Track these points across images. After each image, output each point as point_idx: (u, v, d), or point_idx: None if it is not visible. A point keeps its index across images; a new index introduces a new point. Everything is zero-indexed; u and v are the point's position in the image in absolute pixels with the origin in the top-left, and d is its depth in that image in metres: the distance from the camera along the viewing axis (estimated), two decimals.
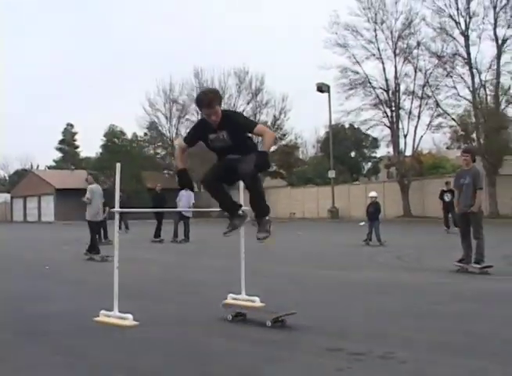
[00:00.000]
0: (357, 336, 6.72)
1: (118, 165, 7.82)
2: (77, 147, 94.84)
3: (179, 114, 71.65)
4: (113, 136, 67.87)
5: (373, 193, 22.78)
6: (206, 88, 9.10)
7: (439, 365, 5.46)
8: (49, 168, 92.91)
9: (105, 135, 68.17)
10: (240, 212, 7.74)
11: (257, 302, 8.61)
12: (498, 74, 44.90)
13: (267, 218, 7.50)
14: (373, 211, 21.51)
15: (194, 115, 69.72)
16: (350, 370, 5.37)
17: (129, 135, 71.19)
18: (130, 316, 7.55)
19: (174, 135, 72.77)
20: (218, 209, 7.95)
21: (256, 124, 7.32)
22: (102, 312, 7.81)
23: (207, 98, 7.08)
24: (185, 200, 24.53)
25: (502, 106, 46.04)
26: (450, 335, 6.69)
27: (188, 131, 7.89)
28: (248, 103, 66.20)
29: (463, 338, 6.59)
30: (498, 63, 44.71)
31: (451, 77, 47.34)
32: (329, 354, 5.93)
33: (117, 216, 8.14)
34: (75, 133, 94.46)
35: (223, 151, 7.43)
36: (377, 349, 5.99)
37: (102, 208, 18.50)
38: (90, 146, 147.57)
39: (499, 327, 7.18)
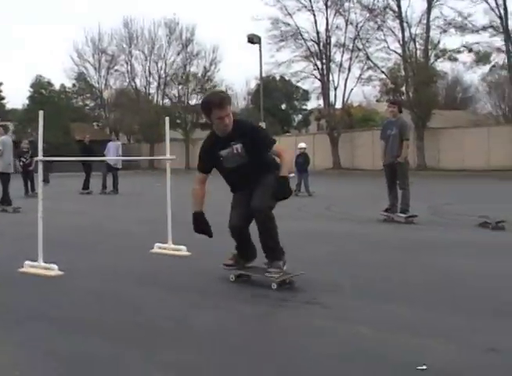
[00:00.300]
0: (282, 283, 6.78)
1: (41, 113, 7.64)
2: (2, 98, 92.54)
3: (108, 65, 70.51)
4: (40, 87, 66.49)
5: (302, 145, 22.92)
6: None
7: (360, 310, 5.55)
8: None
9: (31, 86, 66.74)
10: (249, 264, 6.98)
11: (183, 251, 8.66)
12: (428, 29, 45.41)
13: (280, 262, 6.57)
14: (302, 162, 21.65)
15: (124, 66, 68.91)
16: (273, 315, 5.43)
17: (57, 87, 69.88)
18: (55, 266, 7.47)
19: (103, 87, 71.76)
20: (146, 158, 7.73)
21: (274, 142, 6.57)
22: (27, 262, 7.70)
23: (218, 97, 6.31)
24: (113, 151, 24.28)
25: (432, 60, 46.65)
26: (374, 282, 6.80)
27: (199, 158, 6.79)
28: (178, 54, 65.45)
29: (385, 284, 6.70)
30: (428, 17, 45.18)
31: (382, 30, 47.79)
32: (254, 300, 5.98)
33: (40, 165, 7.99)
34: (0, 84, 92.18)
35: (239, 171, 6.50)
36: (301, 295, 6.07)
37: (13, 160, 18.16)
38: (16, 98, 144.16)
39: (419, 273, 7.33)
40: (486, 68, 50.13)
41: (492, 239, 10.21)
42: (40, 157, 7.88)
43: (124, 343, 4.71)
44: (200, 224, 6.80)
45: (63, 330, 5.09)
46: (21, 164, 22.81)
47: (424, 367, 4.00)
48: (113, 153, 24.19)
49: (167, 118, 9.59)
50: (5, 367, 4.23)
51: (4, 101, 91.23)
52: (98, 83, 72.06)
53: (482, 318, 5.25)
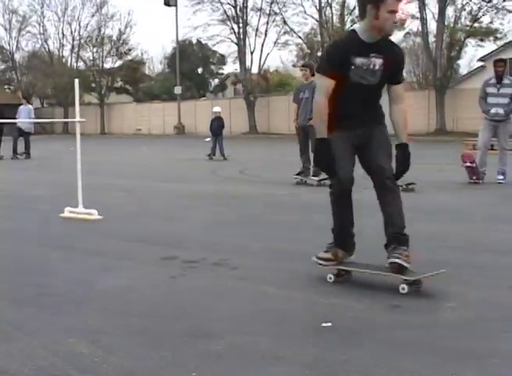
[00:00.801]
0: (192, 245, 6.81)
1: None
2: None
3: (20, 26, 68.53)
4: None
5: (216, 109, 22.92)
6: None
7: (268, 270, 5.62)
8: None
9: None
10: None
11: (94, 215, 8.58)
12: None
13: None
14: (217, 126, 21.63)
15: (36, 27, 67.07)
16: (183, 276, 5.45)
17: None
18: None
19: (14, 49, 69.81)
20: (56, 121, 7.59)
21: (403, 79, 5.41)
22: None
23: None
24: (25, 115, 23.71)
25: (348, 26, 46.92)
26: (282, 243, 6.88)
27: (326, 59, 5.22)
28: (93, 16, 64.11)
29: (291, 244, 6.79)
30: None
31: None
32: (163, 262, 5.99)
33: None
34: None
35: (361, 93, 5.09)
36: (212, 257, 6.09)
37: None
38: None
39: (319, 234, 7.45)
40: (400, 35, 50.77)
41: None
42: None
43: (31, 307, 4.67)
44: (325, 155, 5.04)
45: None
46: None
47: (329, 324, 4.09)
48: (24, 117, 23.61)
49: (76, 80, 9.42)
50: None
51: None
52: (9, 45, 70.08)
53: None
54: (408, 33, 46.70)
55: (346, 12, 46.37)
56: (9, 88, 71.51)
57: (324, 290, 4.95)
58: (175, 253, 6.33)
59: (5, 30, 68.76)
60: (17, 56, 70.75)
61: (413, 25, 45.80)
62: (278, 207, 9.96)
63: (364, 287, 5.04)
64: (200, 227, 8.06)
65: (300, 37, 49.50)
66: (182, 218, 8.88)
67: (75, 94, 9.27)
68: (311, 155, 12.42)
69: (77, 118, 9.14)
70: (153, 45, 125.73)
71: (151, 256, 6.29)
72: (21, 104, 25.01)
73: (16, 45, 69.49)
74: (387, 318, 4.31)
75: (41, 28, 66.96)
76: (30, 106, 24.80)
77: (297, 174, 13.06)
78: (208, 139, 23.59)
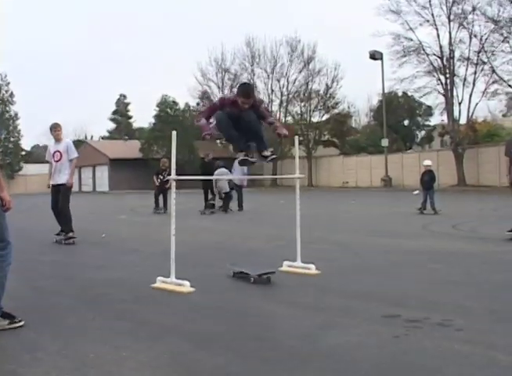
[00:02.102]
0: (412, 303, 6.71)
1: (174, 134, 7.92)
2: (130, 118, 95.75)
3: (231, 83, 71.57)
4: (165, 106, 68.31)
5: (427, 162, 22.64)
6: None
7: (495, 333, 5.43)
8: (103, 138, 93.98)
9: (157, 105, 68.64)
10: None
11: (312, 270, 8.69)
12: None
13: None
14: (428, 179, 21.37)
15: None
16: (406, 336, 5.38)
17: (181, 105, 71.56)
18: (187, 282, 7.66)
19: None
20: (275, 177, 7.94)
21: None
22: (160, 278, 7.94)
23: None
24: (239, 169, 24.50)
25: None
26: (507, 305, 6.64)
27: None
28: (300, 72, 65.93)
29: None
30: None
31: (507, 42, 46.43)
32: (385, 321, 5.94)
33: (173, 183, 8.23)
34: (128, 103, 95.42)
35: None
36: (434, 317, 5.98)
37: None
38: (143, 117, 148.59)
39: None
40: None
41: None
42: (173, 176, 8.12)
43: (255, 360, 4.79)
44: None
45: (196, 346, 5.21)
46: (159, 180, 23.55)
47: None
48: (238, 172, 24.38)
49: (296, 137, 9.70)
50: None
51: (131, 120, 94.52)
52: None
53: None
54: None
55: None
56: (221, 143, 74.50)
57: None
58: (396, 311, 6.27)
59: (218, 87, 72.21)
60: None
61: None
62: (495, 265, 9.62)
63: None
64: (417, 284, 7.94)
65: (510, 85, 47.98)
66: (398, 275, 8.78)
67: (295, 150, 9.57)
68: None
69: (297, 174, 9.35)
70: (359, 98, 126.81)
71: (372, 314, 6.26)
72: (234, 158, 25.90)
73: None
74: None
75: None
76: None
77: (510, 230, 12.58)
78: (417, 192, 23.35)
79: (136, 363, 4.76)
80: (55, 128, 13.57)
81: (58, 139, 13.57)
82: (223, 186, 23.87)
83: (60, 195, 13.35)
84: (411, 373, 4.46)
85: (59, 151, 13.40)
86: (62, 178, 13.34)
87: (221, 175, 23.47)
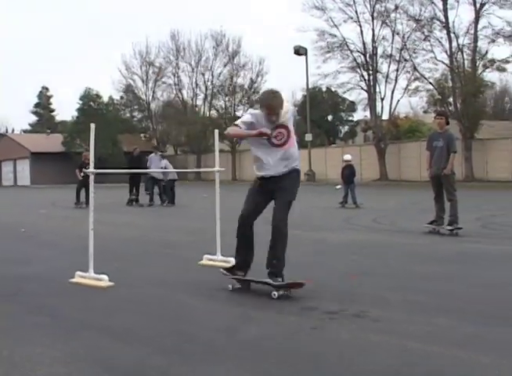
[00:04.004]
0: (330, 295, 6.78)
1: (92, 126, 7.76)
2: (52, 111, 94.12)
3: (156, 77, 71.22)
4: (89, 100, 67.41)
5: (347, 156, 22.90)
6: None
7: (410, 323, 5.53)
8: (25, 131, 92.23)
9: (81, 99, 67.70)
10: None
11: (232, 263, 8.67)
12: (475, 38, 44.94)
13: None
14: (349, 174, 21.63)
15: (171, 78, 69.49)
16: (323, 328, 5.43)
17: (105, 99, 70.79)
18: (105, 277, 7.58)
19: (150, 98, 72.44)
20: (195, 170, 7.81)
21: None
22: (78, 273, 7.83)
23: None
24: (156, 163, 24.51)
25: (479, 71, 46.18)
26: (423, 295, 6.77)
27: None
28: (225, 66, 66.02)
29: (435, 297, 6.66)
30: (475, 27, 44.74)
31: (429, 40, 47.43)
32: (303, 313, 5.98)
33: (92, 177, 8.11)
34: (50, 96, 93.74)
35: None
36: (351, 308, 6.05)
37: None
38: (66, 110, 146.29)
39: (468, 287, 7.28)
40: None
41: None
42: (92, 169, 8.01)
43: (176, 355, 4.77)
44: None
45: (114, 341, 5.16)
46: (81, 174, 23.21)
47: None
48: (156, 166, 24.39)
49: (216, 131, 9.68)
50: None
51: (54, 113, 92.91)
52: (145, 95, 72.87)
53: None
54: None
55: (478, 57, 45.54)
56: (145, 136, 74.08)
57: (468, 345, 4.84)
58: (314, 303, 6.32)
59: (142, 81, 71.80)
60: (153, 106, 73.57)
61: None
62: (413, 257, 9.81)
63: None
64: (337, 277, 8.04)
65: (430, 83, 48.95)
66: (318, 267, 8.87)
67: (215, 144, 9.54)
68: (447, 204, 12.40)
69: (217, 168, 9.34)
70: (284, 92, 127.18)
71: (290, 306, 6.30)
72: (151, 152, 25.93)
73: (152, 95, 72.33)
74: None
75: (176, 79, 69.42)
76: (158, 155, 25.57)
77: (430, 223, 12.87)
78: (339, 187, 23.61)
79: (51, 359, 4.68)
80: None
81: None
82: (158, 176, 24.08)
83: None
84: (325, 363, 4.50)
85: None
86: None
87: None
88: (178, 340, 5.16)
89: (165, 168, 24.40)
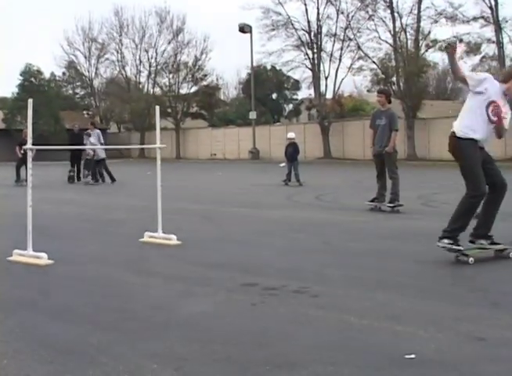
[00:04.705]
0: (271, 272, 6.81)
1: (30, 102, 7.62)
2: None
3: (99, 53, 70.28)
4: (30, 76, 66.10)
5: (291, 134, 22.92)
6: None
7: (350, 298, 5.59)
8: None
9: (21, 74, 66.33)
10: None
11: (173, 240, 8.67)
12: (418, 19, 45.32)
13: None
14: (292, 151, 21.67)
15: (114, 54, 68.61)
16: (263, 304, 5.45)
17: (47, 75, 69.58)
18: (44, 254, 7.47)
19: (93, 75, 71.55)
20: (136, 147, 7.67)
21: None
22: (16, 251, 7.70)
23: None
24: (95, 140, 24.02)
25: (422, 51, 46.62)
26: (363, 271, 6.83)
27: None
28: (169, 43, 65.17)
29: (375, 273, 6.74)
30: (419, 7, 45.10)
31: (373, 20, 47.63)
32: (243, 289, 6.00)
33: (29, 153, 7.97)
34: None
35: None
36: (291, 284, 6.09)
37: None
38: (5, 86, 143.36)
39: (407, 263, 7.37)
40: (477, 59, 49.99)
41: None
42: (29, 145, 7.87)
43: (115, 332, 4.73)
44: None
45: (52, 319, 5.10)
46: (22, 151, 22.74)
47: (412, 356, 4.03)
48: (93, 142, 23.93)
49: (157, 107, 9.61)
50: None
51: None
52: (88, 71, 71.93)
53: (471, 307, 5.29)
54: (484, 57, 46.01)
55: (420, 37, 45.96)
56: (88, 114, 73.12)
57: (406, 319, 4.90)
58: (255, 280, 6.35)
59: (85, 57, 70.78)
60: (96, 83, 72.67)
61: (489, 49, 45.10)
62: (354, 234, 9.89)
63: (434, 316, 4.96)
64: (277, 254, 8.06)
65: (374, 62, 49.20)
66: (259, 245, 8.90)
67: (156, 120, 9.45)
68: (389, 182, 12.53)
69: (158, 144, 9.27)
70: (228, 70, 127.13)
71: (230, 282, 6.31)
72: (103, 129, 25.49)
73: (95, 72, 71.45)
74: (471, 350, 4.23)
75: (119, 55, 68.46)
76: (97, 131, 25.02)
77: (371, 200, 13.00)
78: (283, 165, 23.64)
79: None
80: None
81: None
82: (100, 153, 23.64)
83: None
84: (266, 338, 4.51)
85: None
86: None
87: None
88: (118, 317, 5.13)
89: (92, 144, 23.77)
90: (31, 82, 65.19)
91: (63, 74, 74.79)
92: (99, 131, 24.91)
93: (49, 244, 8.33)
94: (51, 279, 6.70)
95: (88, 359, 4.12)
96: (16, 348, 4.40)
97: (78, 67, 72.56)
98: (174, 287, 6.23)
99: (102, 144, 24.16)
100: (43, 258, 7.43)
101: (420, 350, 4.15)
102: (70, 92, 77.03)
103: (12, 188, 21.68)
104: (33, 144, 7.92)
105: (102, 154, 23.83)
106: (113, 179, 23.75)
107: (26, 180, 21.69)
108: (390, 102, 13.14)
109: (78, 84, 75.81)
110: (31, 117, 7.67)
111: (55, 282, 6.55)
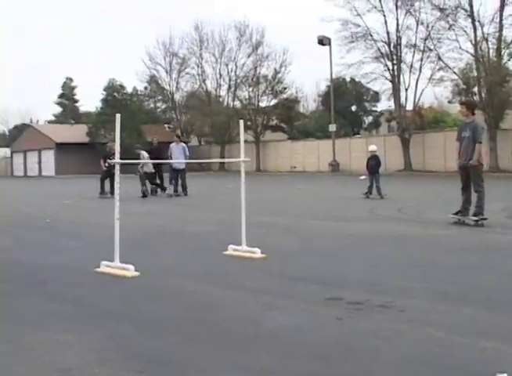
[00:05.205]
0: (355, 286, 6.78)
1: (118, 116, 7.80)
2: (76, 101, 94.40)
3: (179, 68, 71.34)
4: (113, 90, 67.55)
5: (372, 147, 22.78)
6: None
7: (436, 313, 5.52)
8: (49, 122, 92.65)
9: (105, 89, 67.84)
10: None
11: (257, 253, 8.70)
12: (501, 27, 44.41)
13: None
14: (374, 164, 21.52)
15: (194, 68, 69.50)
16: (349, 318, 5.43)
17: (129, 89, 70.95)
18: (131, 266, 7.61)
19: (174, 89, 72.64)
20: (221, 161, 7.72)
21: None
22: (104, 262, 7.87)
23: None
24: (179, 153, 24.13)
25: (505, 60, 45.70)
26: (448, 285, 6.74)
27: None
28: (249, 57, 65.77)
29: (460, 287, 6.64)
30: (501, 15, 44.21)
31: (453, 30, 46.84)
32: (328, 303, 5.98)
33: (117, 167, 8.14)
34: (74, 87, 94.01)
35: None
36: (376, 299, 6.05)
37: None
38: (90, 101, 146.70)
39: (493, 277, 7.24)
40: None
41: None
42: (117, 159, 8.04)
43: (203, 344, 4.79)
44: None
45: (140, 330, 5.19)
46: (106, 164, 23.26)
47: (505, 375, 3.94)
48: (178, 155, 24.04)
49: (241, 121, 9.69)
50: (87, 365, 4.34)
51: (78, 104, 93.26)
52: (169, 85, 73.10)
53: None
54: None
55: (503, 46, 45.08)
56: (169, 127, 74.16)
57: (494, 335, 4.81)
58: (339, 294, 6.33)
59: (166, 72, 72.00)
60: (177, 96, 73.77)
61: None
62: (437, 247, 9.76)
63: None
64: (361, 267, 8.02)
65: (455, 72, 48.46)
66: (342, 258, 8.87)
67: (240, 134, 9.51)
68: (474, 195, 12.32)
69: (242, 157, 9.33)
70: (307, 83, 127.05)
71: (315, 296, 6.31)
72: (185, 142, 25.75)
73: (176, 86, 72.52)
74: None
75: (200, 69, 69.41)
76: (182, 144, 25.22)
77: (455, 213, 12.78)
78: (364, 177, 23.54)
79: (79, 348, 4.73)
80: None
81: None
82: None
83: None
84: (351, 353, 4.50)
85: None
86: None
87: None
88: (204, 329, 5.19)
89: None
90: (114, 97, 66.69)
91: (145, 88, 76.20)
92: (184, 144, 25.18)
93: (134, 256, 8.47)
94: (138, 291, 6.82)
95: (177, 371, 4.19)
96: (107, 357, 4.50)
97: (159, 82, 73.90)
98: (259, 300, 6.26)
99: (186, 157, 24.26)
100: (130, 270, 7.57)
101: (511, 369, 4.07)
102: (152, 105, 78.40)
103: (97, 200, 22.15)
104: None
105: (182, 165, 24.02)
106: (185, 193, 23.87)
107: (110, 193, 22.38)
108: (474, 113, 12.92)
109: (159, 98, 77.13)
110: (119, 131, 7.85)
111: (142, 294, 6.67)
